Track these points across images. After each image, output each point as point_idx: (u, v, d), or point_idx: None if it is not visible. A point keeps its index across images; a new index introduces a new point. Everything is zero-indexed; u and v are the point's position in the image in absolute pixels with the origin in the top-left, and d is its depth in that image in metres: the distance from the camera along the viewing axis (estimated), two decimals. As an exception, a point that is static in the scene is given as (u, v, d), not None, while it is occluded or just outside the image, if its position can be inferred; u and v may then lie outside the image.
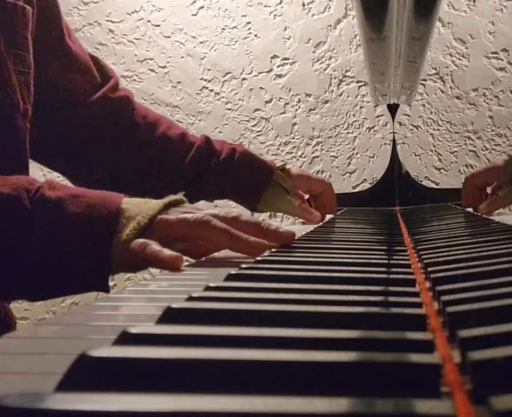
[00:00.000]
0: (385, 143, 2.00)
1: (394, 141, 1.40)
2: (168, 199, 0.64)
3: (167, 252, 0.57)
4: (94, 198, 0.62)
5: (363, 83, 2.01)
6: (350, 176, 2.00)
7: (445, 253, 0.52)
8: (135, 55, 2.05)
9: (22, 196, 0.60)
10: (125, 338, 0.26)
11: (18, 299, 0.62)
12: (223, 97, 2.03)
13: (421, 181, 1.85)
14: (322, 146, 2.01)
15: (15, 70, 0.78)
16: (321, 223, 1.06)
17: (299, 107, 2.02)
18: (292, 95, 2.03)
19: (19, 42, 0.79)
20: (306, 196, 1.19)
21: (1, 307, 0.82)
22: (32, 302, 0.62)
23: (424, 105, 2.00)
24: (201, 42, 2.04)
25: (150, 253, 0.58)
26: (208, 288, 0.38)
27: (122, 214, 0.61)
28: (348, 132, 2.01)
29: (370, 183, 1.89)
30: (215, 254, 0.67)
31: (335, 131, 2.01)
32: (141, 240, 0.59)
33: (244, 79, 2.04)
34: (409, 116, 2.00)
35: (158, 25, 2.05)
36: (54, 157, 0.95)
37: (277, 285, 0.40)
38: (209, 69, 2.04)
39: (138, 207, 0.62)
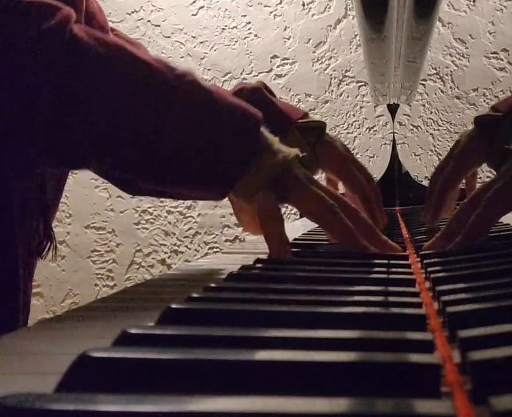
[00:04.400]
0: (385, 143, 2.00)
1: (394, 141, 1.40)
2: (298, 152, 0.59)
3: (283, 247, 0.55)
4: (240, 101, 0.58)
5: (363, 83, 2.01)
6: (350, 176, 2.00)
7: (445, 254, 0.52)
8: (135, 55, 2.05)
9: (165, 69, 0.55)
10: (125, 338, 0.26)
11: (146, 180, 0.58)
12: (223, 97, 2.04)
13: (421, 181, 1.85)
14: (322, 146, 2.01)
15: None
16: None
17: (299, 107, 2.02)
18: (292, 95, 2.03)
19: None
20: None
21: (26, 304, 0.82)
22: (159, 186, 0.57)
23: (424, 105, 2.00)
24: (201, 42, 2.04)
25: (268, 230, 0.55)
26: (208, 288, 0.38)
27: (264, 136, 0.57)
28: (348, 132, 2.01)
29: (370, 183, 1.89)
30: (215, 254, 0.67)
31: (335, 131, 2.01)
32: (273, 198, 0.56)
33: (244, 79, 2.04)
34: (409, 116, 2.00)
35: (158, 25, 2.05)
36: None
37: (276, 285, 0.40)
38: (209, 69, 2.04)
39: (276, 140, 0.58)
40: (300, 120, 0.77)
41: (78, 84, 0.52)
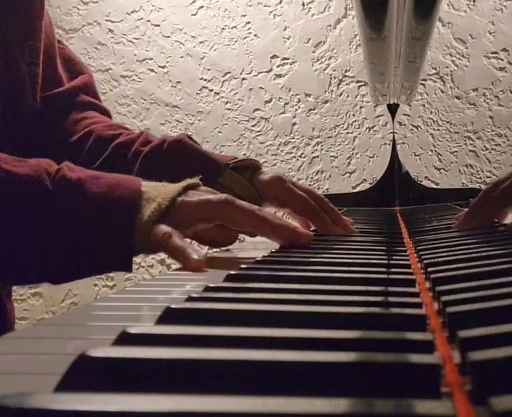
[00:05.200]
0: (385, 143, 2.00)
1: (394, 141, 1.40)
2: (185, 182, 0.63)
3: (191, 253, 0.56)
4: (114, 179, 0.62)
5: (363, 83, 2.01)
6: (350, 176, 2.00)
7: (445, 254, 0.52)
8: (135, 55, 2.05)
9: (43, 177, 0.59)
10: (125, 338, 0.26)
11: (41, 282, 0.64)
12: (222, 97, 2.03)
13: (421, 181, 1.85)
14: (322, 146, 2.01)
15: (27, 63, 0.76)
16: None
17: (299, 107, 2.02)
18: (292, 95, 2.03)
19: (35, 34, 0.77)
20: None
21: (9, 307, 0.82)
22: (55, 285, 0.62)
23: (424, 105, 2.00)
24: (200, 42, 2.04)
25: (172, 247, 0.58)
26: (207, 289, 0.38)
27: (142, 195, 0.61)
28: (348, 132, 2.01)
29: (370, 183, 1.89)
30: (215, 254, 0.67)
31: (335, 131, 2.01)
32: (164, 228, 0.59)
33: (243, 78, 2.04)
34: (409, 116, 2.00)
35: (158, 25, 2.04)
36: None
37: (276, 285, 0.40)
38: (208, 69, 2.04)
39: (157, 190, 0.62)
40: (232, 161, 0.80)
41: None
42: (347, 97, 2.02)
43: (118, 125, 0.90)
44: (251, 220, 0.60)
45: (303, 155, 2.02)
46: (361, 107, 2.02)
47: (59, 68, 0.88)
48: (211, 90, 2.04)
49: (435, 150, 2.00)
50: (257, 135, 2.03)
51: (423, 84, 1.99)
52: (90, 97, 0.91)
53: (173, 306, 0.31)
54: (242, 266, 0.49)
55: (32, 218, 0.58)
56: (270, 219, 0.61)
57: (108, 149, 0.83)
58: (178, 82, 2.04)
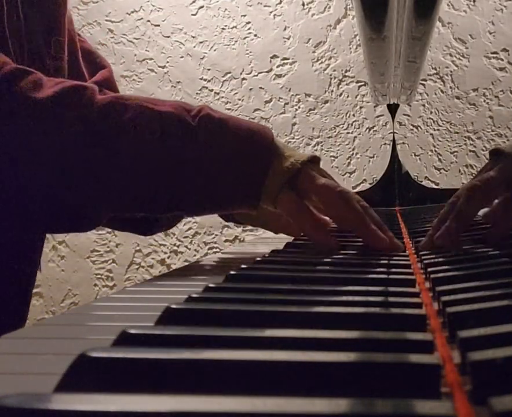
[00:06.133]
0: (385, 143, 2.00)
1: (394, 141, 1.40)
2: (311, 154, 0.66)
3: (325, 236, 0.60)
4: (251, 123, 0.66)
5: (363, 83, 2.01)
6: (349, 176, 2.00)
7: (445, 254, 0.52)
8: (135, 55, 2.05)
9: (184, 114, 0.63)
10: (125, 338, 0.26)
11: (172, 213, 0.66)
12: (222, 97, 2.03)
13: (421, 181, 1.85)
14: (322, 146, 2.01)
15: (52, 57, 0.77)
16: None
17: (299, 107, 2.02)
18: (292, 95, 2.03)
19: (60, 28, 0.78)
20: None
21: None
22: (187, 216, 0.73)
23: (424, 105, 2.00)
24: (200, 42, 2.04)
25: (302, 222, 0.62)
26: (207, 289, 0.38)
27: (276, 149, 0.64)
28: (348, 132, 2.01)
29: (370, 183, 1.89)
30: (215, 255, 0.67)
31: (335, 131, 2.01)
32: (294, 195, 0.63)
33: (243, 78, 2.04)
34: (409, 116, 2.00)
35: (158, 25, 2.04)
36: None
37: (276, 285, 0.40)
38: (209, 69, 2.04)
39: (289, 149, 0.65)
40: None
41: (107, 143, 0.60)
42: (347, 97, 2.02)
43: None
44: (359, 227, 0.62)
45: (303, 155, 2.02)
46: (361, 107, 2.02)
47: (81, 63, 0.88)
48: (211, 90, 2.04)
49: (435, 150, 2.00)
50: (257, 135, 2.03)
51: (423, 84, 1.99)
52: (111, 92, 0.91)
53: (173, 306, 0.31)
54: (243, 266, 0.49)
55: (174, 151, 0.61)
56: (378, 235, 0.61)
57: None
58: (178, 82, 2.04)
